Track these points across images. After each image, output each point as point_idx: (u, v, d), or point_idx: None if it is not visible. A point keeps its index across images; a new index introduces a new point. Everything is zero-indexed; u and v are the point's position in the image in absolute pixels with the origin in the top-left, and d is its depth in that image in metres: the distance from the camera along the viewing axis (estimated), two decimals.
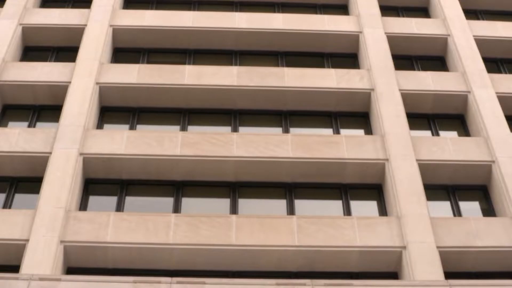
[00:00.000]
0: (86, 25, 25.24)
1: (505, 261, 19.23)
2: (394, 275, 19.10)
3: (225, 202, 20.77)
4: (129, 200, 20.78)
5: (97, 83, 23.08)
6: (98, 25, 25.16)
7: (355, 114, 23.74)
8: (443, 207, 21.09)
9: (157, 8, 27.34)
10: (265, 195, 21.08)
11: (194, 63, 25.25)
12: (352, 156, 21.21)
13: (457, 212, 20.91)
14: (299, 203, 20.85)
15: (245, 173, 21.15)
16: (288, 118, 23.39)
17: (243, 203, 20.77)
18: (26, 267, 17.75)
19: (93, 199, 20.79)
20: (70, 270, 18.76)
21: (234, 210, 20.46)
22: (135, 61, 25.11)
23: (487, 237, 19.33)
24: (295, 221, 19.39)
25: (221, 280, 15.68)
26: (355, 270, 19.08)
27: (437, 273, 18.21)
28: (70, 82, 22.97)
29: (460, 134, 23.41)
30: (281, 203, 20.84)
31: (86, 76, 23.11)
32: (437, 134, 23.26)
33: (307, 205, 20.84)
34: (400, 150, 21.30)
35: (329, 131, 23.10)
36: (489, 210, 21.07)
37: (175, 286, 15.30)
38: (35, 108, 23.36)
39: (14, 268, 18.32)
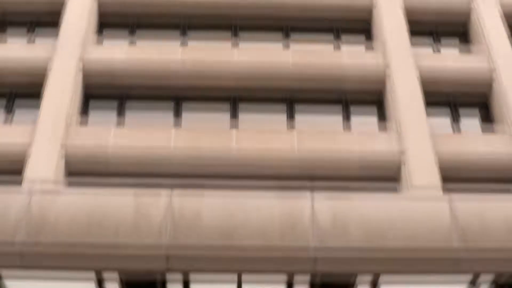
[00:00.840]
0: None
1: (501, 167, 19.52)
2: (393, 184, 19.40)
3: (225, 115, 20.89)
4: (130, 112, 20.91)
5: None
6: None
7: (357, 26, 23.59)
8: (443, 120, 21.21)
9: None
10: (265, 108, 21.17)
11: None
12: (352, 62, 21.22)
13: (456, 124, 21.04)
14: (299, 117, 20.97)
15: (245, 80, 21.12)
16: (289, 31, 23.27)
17: (243, 116, 20.89)
18: (29, 172, 18.06)
19: (93, 111, 20.92)
20: (72, 174, 19.08)
21: (234, 121, 20.60)
22: None
23: (484, 146, 19.54)
24: (295, 133, 19.54)
25: (220, 192, 15.92)
26: (355, 176, 19.42)
27: (435, 181, 18.48)
28: None
29: (461, 47, 23.32)
30: (282, 117, 20.95)
31: None
32: (439, 46, 23.18)
33: (308, 119, 20.96)
34: (401, 61, 21.26)
35: (330, 42, 23.03)
36: (488, 123, 21.19)
37: (175, 199, 15.59)
38: (35, 19, 23.24)
39: (18, 172, 18.80)
